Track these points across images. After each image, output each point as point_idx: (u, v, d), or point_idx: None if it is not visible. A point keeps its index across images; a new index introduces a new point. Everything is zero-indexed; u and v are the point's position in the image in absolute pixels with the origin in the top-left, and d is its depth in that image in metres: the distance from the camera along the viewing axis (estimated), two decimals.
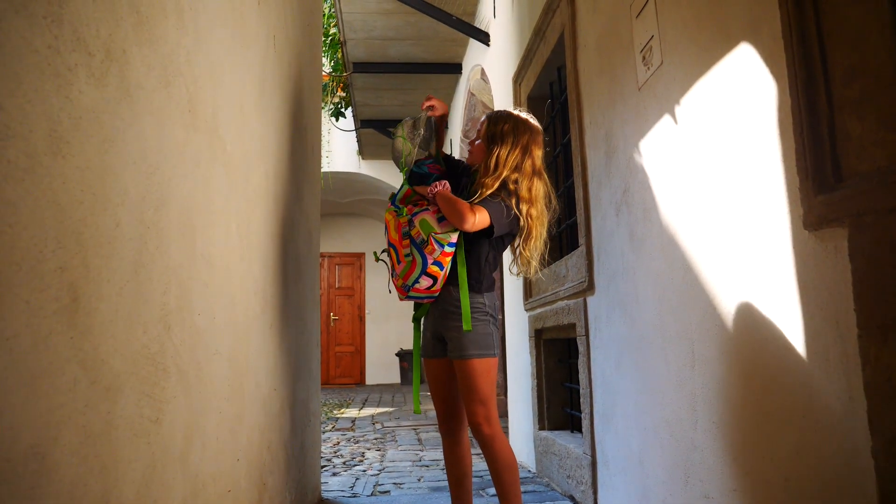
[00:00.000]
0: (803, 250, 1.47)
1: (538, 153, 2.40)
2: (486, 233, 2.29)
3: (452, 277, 2.32)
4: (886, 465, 1.23)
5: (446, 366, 2.39)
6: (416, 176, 2.44)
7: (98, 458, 1.04)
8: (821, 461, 1.43)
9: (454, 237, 2.26)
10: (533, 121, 2.44)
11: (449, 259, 2.26)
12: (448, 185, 2.33)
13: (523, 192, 2.33)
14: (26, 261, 0.87)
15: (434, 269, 2.25)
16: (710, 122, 1.90)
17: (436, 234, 2.24)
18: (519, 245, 2.39)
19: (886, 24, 1.27)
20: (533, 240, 2.37)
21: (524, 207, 2.32)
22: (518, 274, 2.51)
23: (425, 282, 2.28)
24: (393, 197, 2.44)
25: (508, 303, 4.87)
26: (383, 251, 2.44)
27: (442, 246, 2.23)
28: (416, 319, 2.46)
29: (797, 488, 1.52)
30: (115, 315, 1.10)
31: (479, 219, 2.21)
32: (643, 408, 2.41)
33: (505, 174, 2.31)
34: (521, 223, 2.35)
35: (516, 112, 2.46)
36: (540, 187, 2.38)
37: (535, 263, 2.40)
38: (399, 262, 2.33)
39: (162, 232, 1.31)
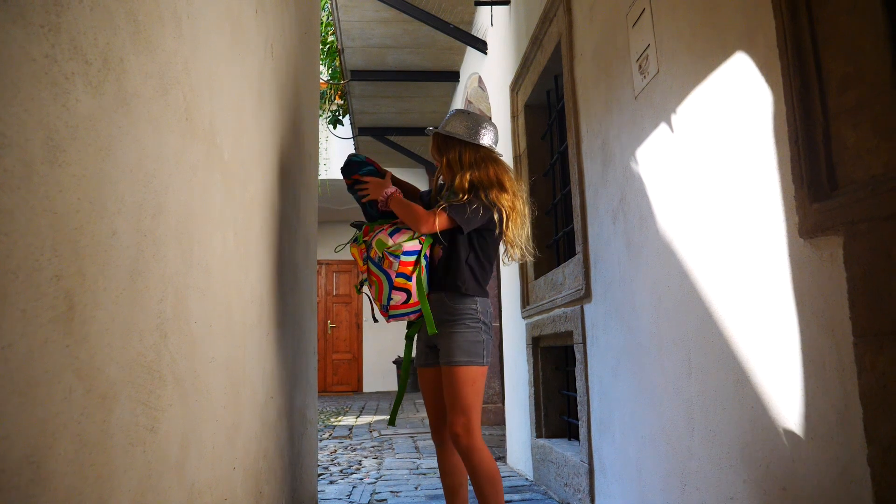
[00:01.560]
0: (799, 258, 1.48)
1: (486, 139, 2.43)
2: (459, 231, 2.31)
3: (443, 285, 2.32)
4: (882, 473, 1.23)
5: (439, 375, 2.38)
6: (352, 164, 2.49)
7: (94, 467, 1.03)
8: (817, 469, 1.43)
9: (409, 245, 2.28)
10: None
11: (411, 268, 2.27)
12: (398, 191, 2.39)
13: (491, 180, 2.36)
14: (22, 269, 0.87)
15: (400, 281, 2.27)
16: (705, 130, 1.91)
17: (388, 248, 2.27)
18: (503, 233, 2.40)
19: (881, 33, 1.28)
20: (512, 222, 2.38)
21: (498, 196, 2.34)
22: (509, 261, 2.54)
23: (398, 296, 2.29)
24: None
25: (506, 311, 4.87)
26: (362, 283, 2.45)
27: (397, 257, 2.26)
28: (409, 337, 2.47)
29: (793, 496, 1.52)
30: (112, 323, 1.10)
31: (438, 221, 2.25)
32: (640, 416, 2.40)
33: (468, 175, 2.36)
34: (499, 214, 2.35)
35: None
36: (500, 171, 2.40)
37: (521, 243, 2.42)
38: (371, 286, 2.36)
39: (158, 240, 1.31)
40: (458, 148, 2.41)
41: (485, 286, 2.38)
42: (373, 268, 2.32)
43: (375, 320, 2.49)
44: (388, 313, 2.33)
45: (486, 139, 2.43)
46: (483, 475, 2.19)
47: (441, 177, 2.54)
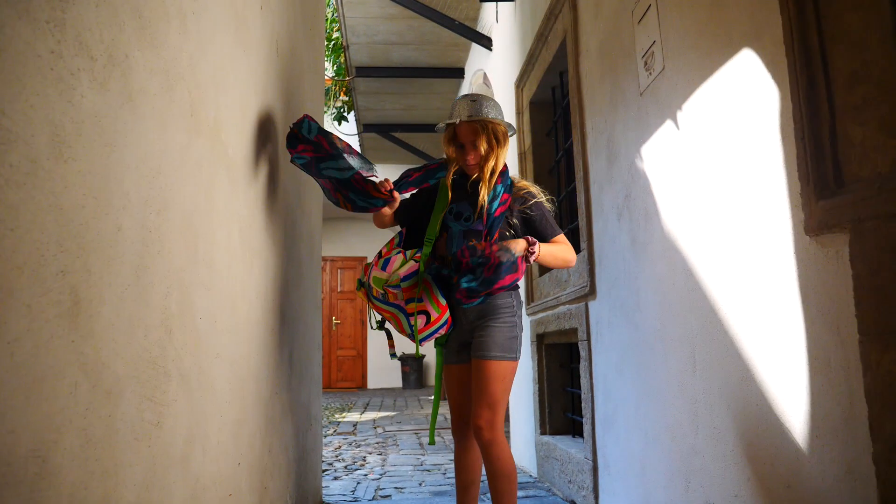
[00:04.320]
0: (804, 255, 1.47)
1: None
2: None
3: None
4: (887, 472, 1.23)
5: (468, 371, 2.33)
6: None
7: (99, 462, 1.04)
8: (822, 467, 1.43)
9: (404, 270, 2.20)
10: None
11: (416, 289, 2.20)
12: (537, 242, 2.24)
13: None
14: (28, 264, 0.88)
15: (412, 306, 2.20)
16: (711, 127, 1.90)
17: (386, 283, 2.20)
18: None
19: (888, 30, 1.27)
20: None
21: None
22: None
23: (420, 320, 2.23)
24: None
25: None
26: (381, 322, 2.37)
27: (397, 286, 2.19)
28: (439, 344, 2.38)
29: (798, 494, 1.52)
30: (117, 318, 1.11)
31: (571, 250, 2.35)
32: (644, 413, 2.40)
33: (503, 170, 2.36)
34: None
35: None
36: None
37: None
38: (390, 322, 2.31)
39: (164, 236, 1.31)
40: (505, 143, 2.34)
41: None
42: (381, 306, 2.26)
43: (393, 356, 2.44)
44: (417, 338, 2.25)
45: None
46: (500, 471, 2.16)
47: (469, 166, 2.34)
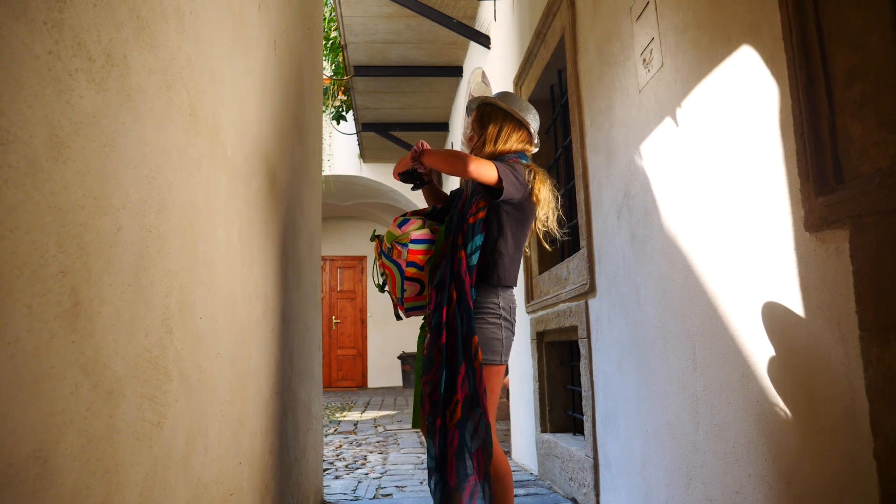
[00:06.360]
0: (804, 252, 1.47)
1: (532, 119, 2.35)
2: (493, 195, 2.13)
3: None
4: (888, 467, 1.23)
5: None
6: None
7: (100, 462, 1.04)
8: (823, 463, 1.43)
9: (417, 234, 2.22)
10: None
11: (422, 256, 2.21)
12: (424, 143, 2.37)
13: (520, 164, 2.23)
14: (28, 265, 0.87)
15: (412, 270, 2.21)
16: (710, 123, 1.90)
17: (396, 238, 2.22)
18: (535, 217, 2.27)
19: (887, 25, 1.27)
20: (542, 210, 2.24)
21: (531, 176, 2.21)
22: (549, 246, 2.45)
23: (411, 288, 2.23)
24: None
25: None
26: (383, 283, 2.36)
27: (405, 246, 2.20)
28: (424, 327, 2.31)
29: (799, 490, 1.52)
30: (117, 319, 1.11)
31: (484, 168, 2.06)
32: (645, 410, 2.40)
33: (498, 147, 2.29)
34: (532, 194, 2.22)
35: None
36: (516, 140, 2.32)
37: (552, 226, 2.31)
38: (387, 282, 2.31)
39: (163, 236, 1.31)
40: (501, 121, 2.31)
41: (512, 277, 2.22)
42: (385, 261, 2.28)
43: (398, 318, 2.38)
44: (404, 306, 2.27)
45: (531, 118, 2.33)
46: (492, 474, 2.08)
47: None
